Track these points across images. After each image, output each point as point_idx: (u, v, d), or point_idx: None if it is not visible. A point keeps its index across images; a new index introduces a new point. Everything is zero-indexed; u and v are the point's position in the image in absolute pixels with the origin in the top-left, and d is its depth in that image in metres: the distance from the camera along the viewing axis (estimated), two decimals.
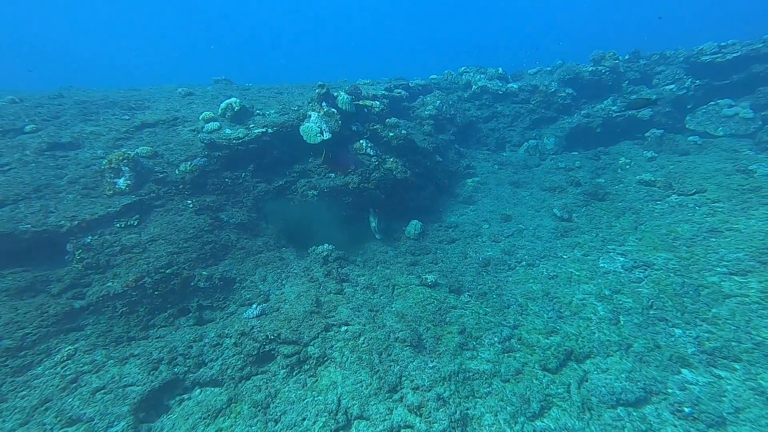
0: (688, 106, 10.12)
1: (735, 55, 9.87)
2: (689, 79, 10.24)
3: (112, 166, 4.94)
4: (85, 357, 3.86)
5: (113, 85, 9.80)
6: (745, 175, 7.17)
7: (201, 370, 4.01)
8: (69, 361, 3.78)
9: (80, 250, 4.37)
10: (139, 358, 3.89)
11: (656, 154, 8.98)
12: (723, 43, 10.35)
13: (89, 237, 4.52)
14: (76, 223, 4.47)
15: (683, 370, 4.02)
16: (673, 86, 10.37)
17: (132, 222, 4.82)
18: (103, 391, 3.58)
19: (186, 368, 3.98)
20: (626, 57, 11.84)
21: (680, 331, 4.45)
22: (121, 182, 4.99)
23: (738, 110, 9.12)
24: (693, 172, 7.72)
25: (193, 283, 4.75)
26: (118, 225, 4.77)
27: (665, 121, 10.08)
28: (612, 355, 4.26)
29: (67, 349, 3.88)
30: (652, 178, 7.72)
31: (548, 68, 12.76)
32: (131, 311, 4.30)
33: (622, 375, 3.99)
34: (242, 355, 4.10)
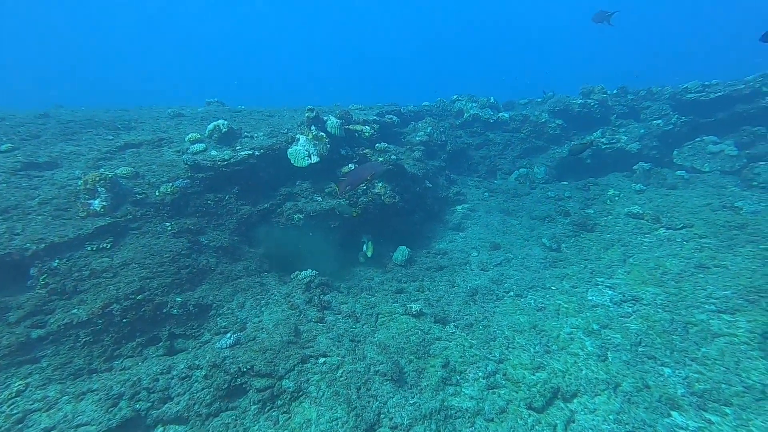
0: (669, 140, 10.36)
1: (718, 94, 10.20)
2: (675, 115, 10.52)
3: (88, 186, 4.80)
4: (37, 393, 3.58)
5: (114, 105, 9.74)
6: (732, 212, 7.23)
7: (166, 405, 3.74)
8: (18, 398, 3.50)
9: (45, 275, 4.16)
10: (97, 394, 3.62)
11: (644, 187, 9.09)
12: (707, 83, 10.73)
13: (56, 261, 4.32)
14: (42, 246, 4.27)
15: (673, 413, 3.87)
16: (660, 121, 10.63)
17: (105, 245, 4.63)
18: None
19: (149, 404, 3.71)
20: (614, 92, 12.21)
21: (669, 371, 4.32)
22: (96, 203, 4.84)
23: (723, 147, 9.34)
24: (681, 206, 7.78)
25: (165, 310, 4.53)
26: (89, 248, 4.58)
27: (653, 154, 10.27)
28: (600, 395, 4.10)
29: (17, 384, 3.59)
30: (641, 211, 7.75)
31: (538, 99, 13.09)
32: (95, 341, 4.05)
33: (611, 416, 3.83)
34: (212, 389, 3.85)
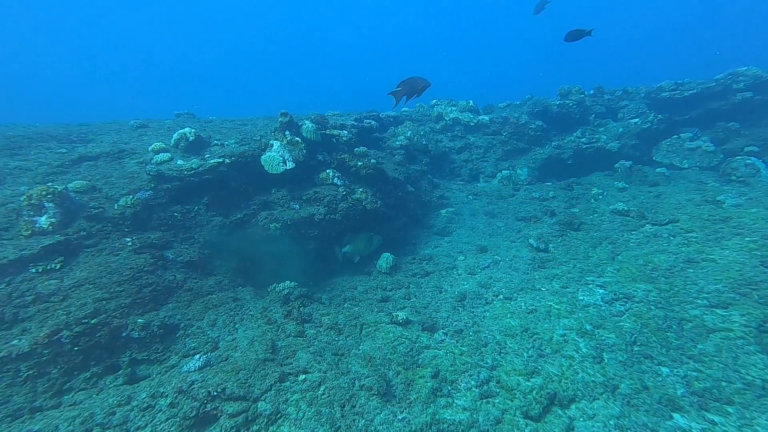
0: (647, 138, 10.48)
1: (692, 92, 10.44)
2: (652, 114, 10.68)
3: (32, 202, 4.33)
4: None
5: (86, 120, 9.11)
6: (714, 206, 7.25)
7: None
8: None
9: None
10: None
11: (627, 185, 9.11)
12: (679, 81, 10.99)
13: None
14: None
15: (674, 415, 3.66)
16: (637, 120, 10.78)
17: (53, 266, 4.17)
18: None
19: None
20: (591, 92, 12.38)
21: (667, 370, 4.13)
22: (43, 220, 4.37)
23: (699, 143, 9.49)
24: (664, 202, 7.79)
25: (125, 334, 4.09)
26: (33, 270, 4.10)
27: (633, 153, 10.37)
28: (598, 399, 3.87)
29: None
30: (626, 208, 7.71)
31: (517, 102, 13.16)
32: (39, 374, 3.58)
33: (611, 422, 3.60)
34: (177, 419, 3.43)
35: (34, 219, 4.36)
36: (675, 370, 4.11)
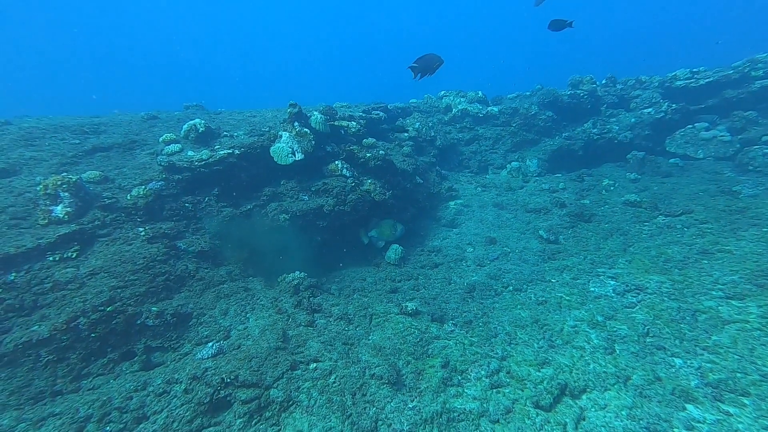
0: (661, 129, 10.24)
1: (708, 80, 10.15)
2: (666, 103, 10.43)
3: (48, 192, 4.40)
4: None
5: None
6: (731, 196, 7.09)
7: (141, 425, 3.39)
8: None
9: (0, 290, 3.76)
10: (60, 418, 3.25)
11: (639, 176, 8.94)
12: (695, 69, 10.69)
13: (12, 274, 3.92)
14: None
15: (688, 406, 3.62)
16: (650, 110, 10.53)
17: (70, 254, 4.24)
18: None
19: (121, 425, 3.35)
20: (603, 82, 12.12)
21: (680, 361, 4.08)
22: (59, 209, 4.44)
23: (715, 133, 9.24)
24: (677, 193, 7.63)
25: (139, 322, 4.16)
26: (51, 258, 4.18)
27: (645, 143, 10.16)
28: (610, 389, 3.85)
29: None
30: (638, 199, 7.58)
31: (527, 93, 12.94)
32: (59, 359, 3.67)
33: (623, 412, 3.59)
34: (192, 404, 3.50)
35: (50, 208, 4.44)
36: (689, 361, 4.06)
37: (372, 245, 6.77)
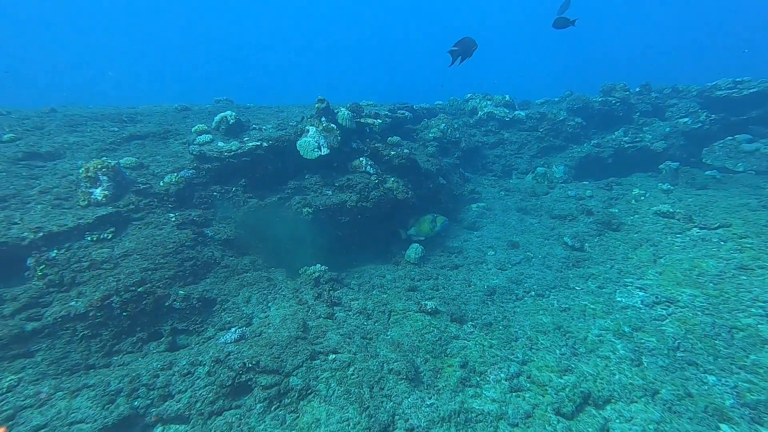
0: (697, 139, 9.81)
1: (752, 90, 9.65)
2: (704, 113, 9.99)
3: (89, 174, 4.62)
4: (29, 389, 3.36)
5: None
6: None
7: (166, 403, 3.51)
8: (9, 394, 3.29)
9: (42, 266, 3.96)
10: (93, 390, 3.39)
11: (672, 187, 8.59)
12: (738, 79, 10.19)
13: (54, 251, 4.13)
14: (40, 235, 4.09)
15: (722, 426, 3.46)
16: (687, 119, 10.12)
17: (106, 235, 4.43)
18: (44, 429, 3.07)
19: (149, 401, 3.48)
20: (637, 89, 11.73)
21: (714, 379, 3.90)
22: (98, 192, 4.65)
23: (759, 146, 8.78)
24: (714, 206, 7.26)
25: (167, 304, 4.30)
26: (89, 238, 4.38)
27: (680, 153, 9.76)
28: (636, 402, 3.72)
29: (9, 379, 3.39)
30: (671, 210, 7.27)
31: (556, 99, 12.68)
32: (93, 335, 3.83)
33: (650, 426, 3.46)
34: (215, 386, 3.60)
35: (90, 191, 4.65)
36: (723, 379, 3.87)
37: (400, 241, 6.95)
